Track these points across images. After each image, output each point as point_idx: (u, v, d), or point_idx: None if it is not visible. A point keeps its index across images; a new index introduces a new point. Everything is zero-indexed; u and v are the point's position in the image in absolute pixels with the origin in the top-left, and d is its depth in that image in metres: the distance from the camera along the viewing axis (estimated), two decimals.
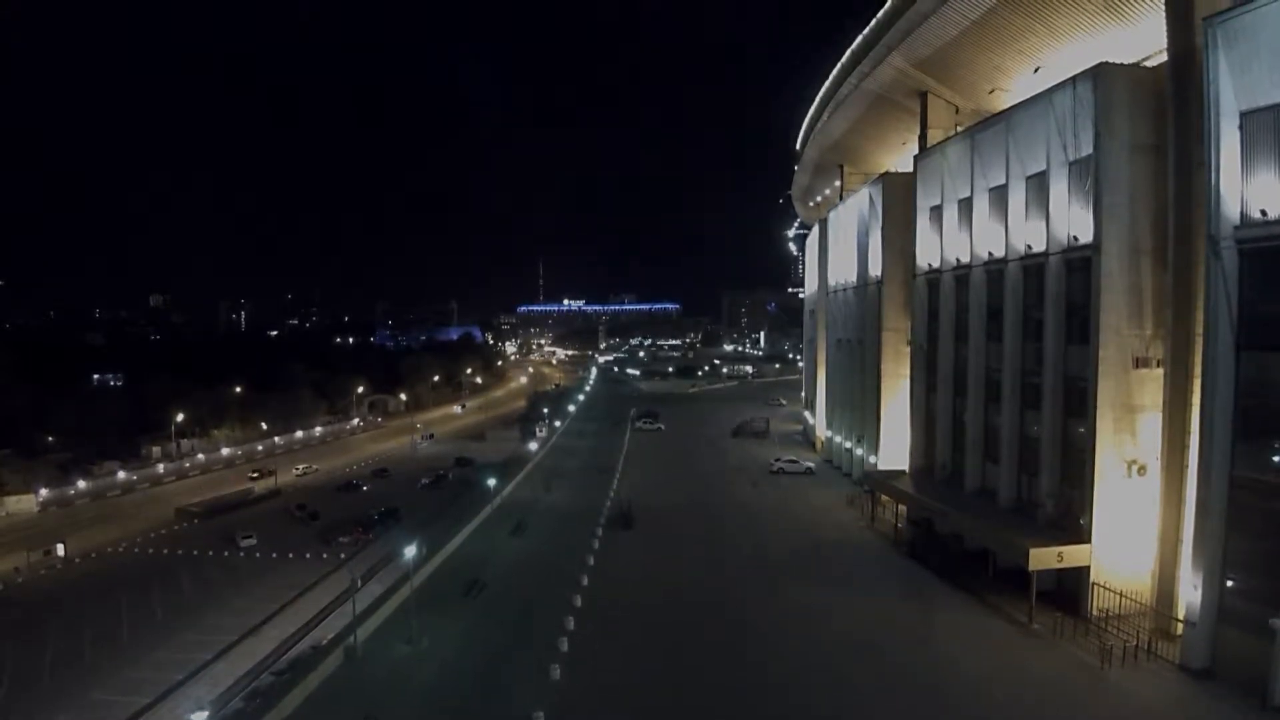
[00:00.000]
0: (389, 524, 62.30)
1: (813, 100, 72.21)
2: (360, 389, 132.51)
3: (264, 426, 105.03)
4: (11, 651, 40.02)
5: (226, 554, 56.61)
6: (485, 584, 37.11)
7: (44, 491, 72.24)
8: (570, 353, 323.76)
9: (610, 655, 29.47)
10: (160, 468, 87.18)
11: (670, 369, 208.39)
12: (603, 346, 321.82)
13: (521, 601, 35.18)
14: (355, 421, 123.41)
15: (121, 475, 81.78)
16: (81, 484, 76.87)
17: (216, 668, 38.29)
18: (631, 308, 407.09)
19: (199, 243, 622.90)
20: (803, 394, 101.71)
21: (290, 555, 55.95)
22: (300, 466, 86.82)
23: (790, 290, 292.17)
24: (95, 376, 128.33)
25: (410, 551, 33.02)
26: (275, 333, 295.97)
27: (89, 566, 55.52)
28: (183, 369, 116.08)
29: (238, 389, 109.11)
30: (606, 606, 34.30)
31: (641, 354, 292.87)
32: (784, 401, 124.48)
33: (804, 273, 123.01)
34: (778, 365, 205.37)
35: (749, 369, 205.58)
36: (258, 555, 56.32)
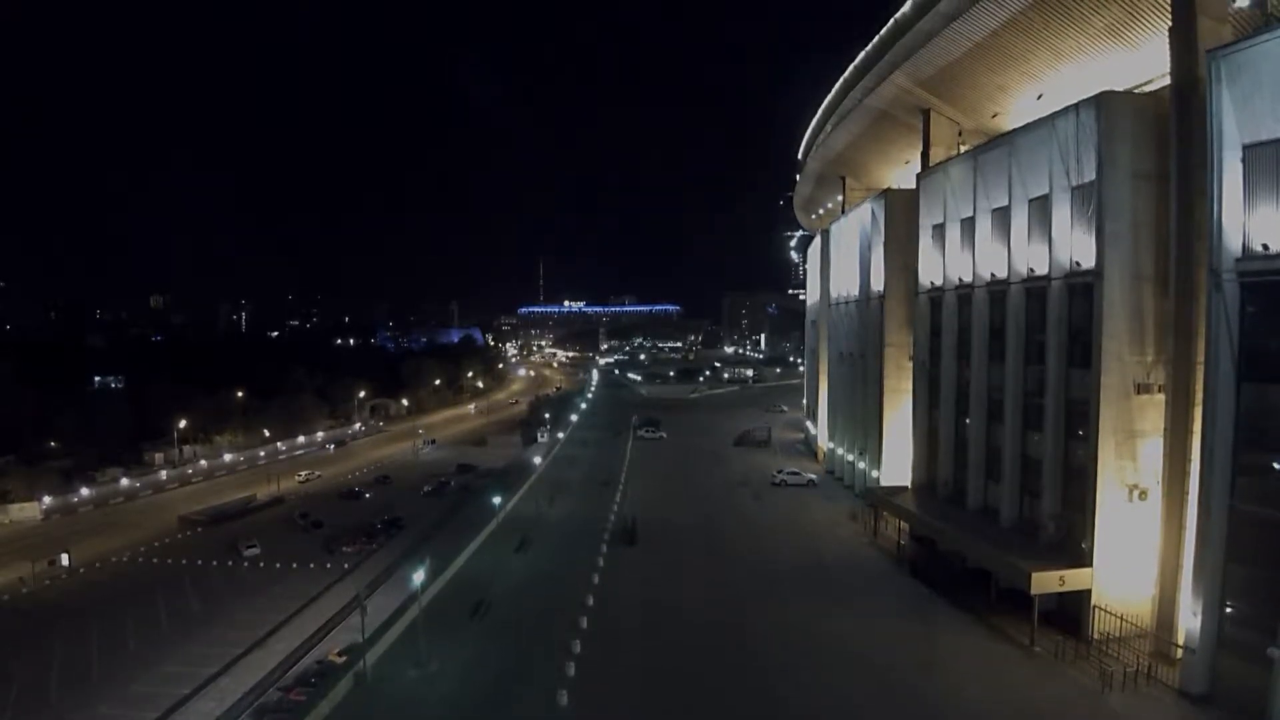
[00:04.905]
0: (392, 533, 62.53)
1: (816, 108, 72.51)
2: (362, 393, 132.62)
3: (266, 434, 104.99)
4: (18, 664, 40.18)
5: (230, 563, 56.72)
6: (491, 604, 37.32)
7: (47, 499, 72.22)
8: (571, 354, 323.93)
9: (616, 679, 29.73)
10: (163, 474, 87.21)
11: (671, 372, 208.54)
12: (604, 348, 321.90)
13: (527, 623, 35.40)
14: (357, 426, 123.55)
15: (125, 482, 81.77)
16: (85, 491, 76.83)
17: (223, 681, 38.54)
18: (632, 309, 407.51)
19: (199, 243, 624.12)
20: (804, 401, 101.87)
21: (294, 565, 56.07)
22: (303, 473, 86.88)
23: (791, 292, 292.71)
24: (96, 379, 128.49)
25: (419, 577, 33.13)
26: (276, 334, 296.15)
27: (94, 576, 55.58)
28: (184, 372, 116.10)
29: (240, 394, 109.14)
30: (611, 628, 34.54)
31: (642, 356, 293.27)
32: (785, 408, 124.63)
33: (804, 274, 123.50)
34: (778, 369, 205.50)
35: (749, 373, 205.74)
36: (261, 565, 56.39)
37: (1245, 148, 25.35)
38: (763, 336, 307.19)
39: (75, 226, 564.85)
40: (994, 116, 44.74)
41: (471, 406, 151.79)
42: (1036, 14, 35.53)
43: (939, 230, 46.20)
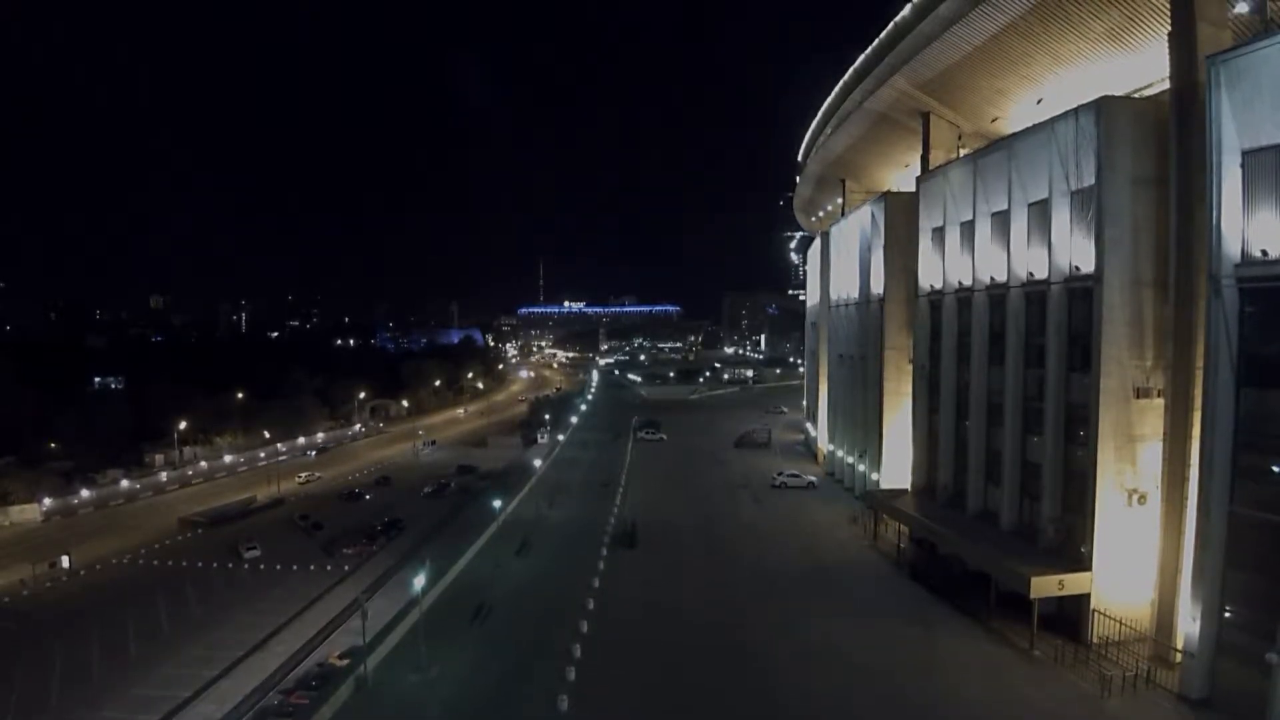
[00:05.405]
0: (392, 535, 62.57)
1: (816, 110, 72.64)
2: (362, 394, 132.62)
3: (266, 435, 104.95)
4: (19, 668, 40.20)
5: (230, 565, 56.73)
6: (492, 608, 37.35)
7: (47, 501, 72.22)
8: (571, 355, 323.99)
9: (616, 684, 29.79)
10: (163, 476, 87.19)
11: (671, 373, 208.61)
12: (604, 349, 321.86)
13: (528, 627, 35.49)
14: (357, 427, 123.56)
15: (125, 484, 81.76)
16: (85, 493, 76.78)
17: (223, 684, 38.55)
18: (632, 309, 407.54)
19: (199, 243, 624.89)
20: (804, 402, 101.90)
21: (294, 567, 56.07)
22: (303, 474, 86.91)
23: (791, 292, 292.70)
24: (96, 379, 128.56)
25: (420, 581, 33.20)
26: (276, 334, 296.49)
27: (94, 578, 55.59)
28: (184, 373, 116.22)
29: (240, 395, 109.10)
30: (611, 632, 34.59)
31: (642, 357, 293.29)
32: (785, 410, 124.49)
33: (804, 275, 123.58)
34: (778, 370, 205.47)
35: (749, 373, 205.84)
36: (261, 567, 56.41)
37: (1245, 153, 25.37)
38: (763, 337, 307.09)
39: (75, 226, 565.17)
40: (994, 120, 44.83)
41: (462, 410, 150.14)
42: (1036, 18, 35.58)
43: (939, 233, 46.24)
